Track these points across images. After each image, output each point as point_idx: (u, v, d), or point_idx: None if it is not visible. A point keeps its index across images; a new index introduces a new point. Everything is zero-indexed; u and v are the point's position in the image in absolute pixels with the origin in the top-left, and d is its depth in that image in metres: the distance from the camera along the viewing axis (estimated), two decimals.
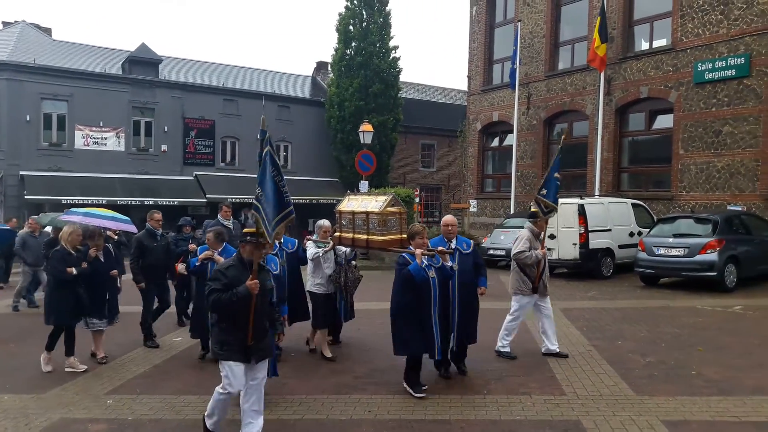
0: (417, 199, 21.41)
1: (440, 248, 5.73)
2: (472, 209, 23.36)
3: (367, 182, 16.96)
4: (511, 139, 21.01)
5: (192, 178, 26.08)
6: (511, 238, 15.22)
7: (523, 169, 21.26)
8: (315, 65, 34.62)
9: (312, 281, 7.13)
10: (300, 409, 5.37)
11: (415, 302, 5.52)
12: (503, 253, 14.75)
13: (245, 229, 4.72)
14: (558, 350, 7.01)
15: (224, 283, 4.32)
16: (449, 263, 5.76)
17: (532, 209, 7.16)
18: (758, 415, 5.02)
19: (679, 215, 13.22)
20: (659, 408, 5.23)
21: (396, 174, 30.86)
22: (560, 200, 14.21)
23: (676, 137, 16.85)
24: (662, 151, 17.46)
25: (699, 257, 11.29)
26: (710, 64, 15.97)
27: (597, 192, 17.70)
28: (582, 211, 13.59)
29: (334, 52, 28.26)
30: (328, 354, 7.04)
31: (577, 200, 14.02)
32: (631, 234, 14.31)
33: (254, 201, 4.25)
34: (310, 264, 7.09)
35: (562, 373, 6.28)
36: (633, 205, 14.98)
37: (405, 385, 5.75)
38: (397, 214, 6.20)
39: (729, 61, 15.59)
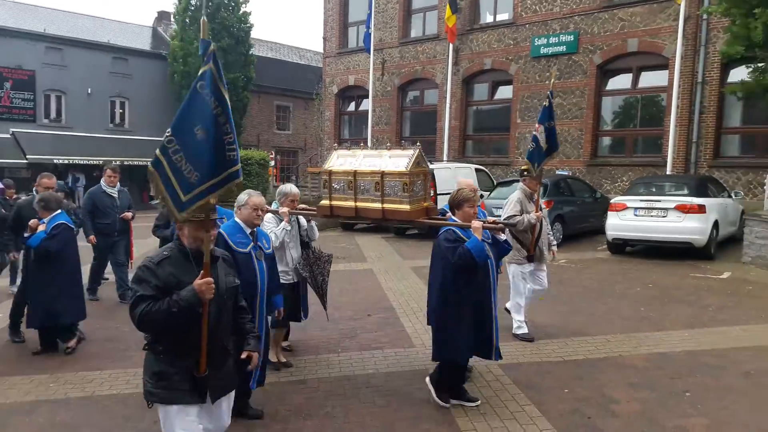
0: (272, 163, 20.95)
1: (491, 219, 4.72)
2: None
3: None
4: (367, 104, 21.26)
5: (8, 135, 22.89)
6: None
7: (379, 134, 21.67)
8: (156, 15, 31.92)
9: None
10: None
11: (471, 291, 4.34)
12: None
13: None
14: (524, 333, 6.24)
15: (156, 287, 2.87)
16: (502, 237, 4.55)
17: (523, 167, 6.13)
18: (577, 355, 5.73)
19: (515, 179, 14.41)
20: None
21: (249, 135, 29.84)
22: None
23: (514, 107, 18.23)
24: (503, 120, 18.81)
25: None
26: (545, 40, 17.38)
27: (445, 158, 18.66)
28: (432, 176, 14.24)
29: (178, 2, 26.24)
30: (282, 359, 5.42)
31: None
32: None
33: (158, 154, 2.87)
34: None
35: (411, 327, 6.62)
36: (476, 170, 16.02)
37: (434, 395, 4.58)
38: (422, 176, 4.75)
39: (561, 38, 17.09)
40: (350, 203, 4.85)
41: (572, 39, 16.83)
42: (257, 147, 27.94)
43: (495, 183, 15.42)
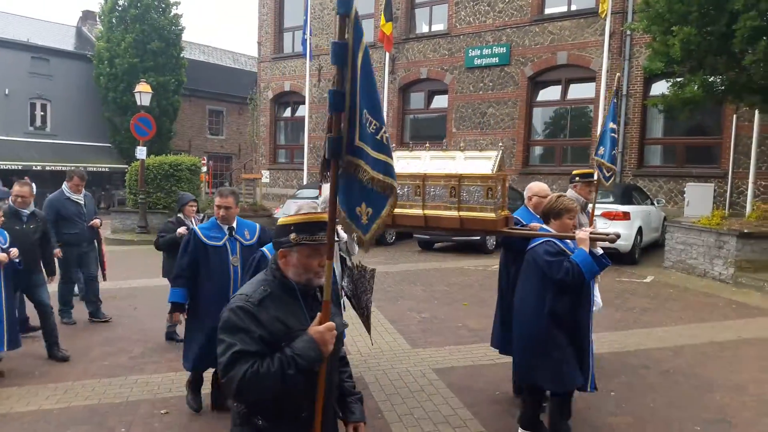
0: (204, 168, 20.31)
1: (589, 229, 4.01)
2: (264, 180, 22.93)
3: (144, 148, 15.50)
4: (303, 110, 21.01)
5: None
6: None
7: (316, 140, 21.40)
8: (80, 14, 30.48)
9: None
10: (66, 397, 4.75)
11: (573, 312, 3.77)
12: None
13: (298, 216, 2.21)
14: None
15: (260, 338, 2.02)
16: (599, 250, 3.87)
17: (576, 171, 5.37)
18: (507, 357, 5.75)
19: None
20: (431, 358, 5.74)
21: (180, 141, 28.87)
22: None
23: (449, 116, 18.50)
24: (438, 129, 19.04)
25: None
26: (479, 51, 17.76)
27: None
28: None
29: (104, 2, 25.13)
30: None
31: None
32: None
33: (330, 142, 2.09)
34: None
35: (347, 334, 6.48)
36: None
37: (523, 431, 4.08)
38: (503, 180, 4.13)
39: (493, 50, 17.50)
40: (417, 211, 4.10)
41: (504, 51, 17.27)
42: (188, 152, 27.07)
43: None
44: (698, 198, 13.45)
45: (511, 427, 4.20)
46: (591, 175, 5.34)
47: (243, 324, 2.01)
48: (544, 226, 3.95)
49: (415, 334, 6.58)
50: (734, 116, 13.84)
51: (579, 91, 16.62)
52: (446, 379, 5.16)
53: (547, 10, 16.86)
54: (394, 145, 3.29)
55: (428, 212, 4.09)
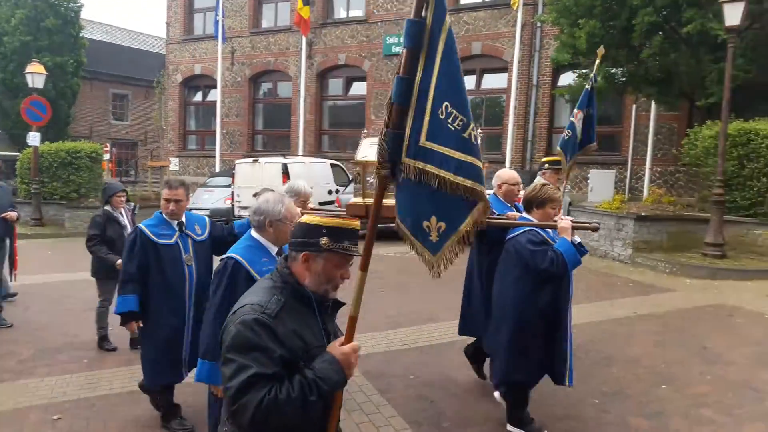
0: (107, 156, 19.09)
1: (566, 218, 3.82)
2: (172, 167, 21.93)
3: (38, 134, 14.31)
4: (215, 95, 20.21)
5: None
6: (215, 197, 15.00)
7: (229, 126, 20.74)
8: None
9: None
10: None
11: (552, 303, 3.69)
12: (207, 213, 14.25)
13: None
14: None
15: (281, 358, 1.75)
16: (577, 239, 3.70)
17: (545, 158, 5.22)
18: (423, 341, 5.81)
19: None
20: None
21: (81, 126, 26.97)
22: (264, 160, 14.60)
23: (368, 104, 18.44)
24: (357, 116, 18.95)
25: None
26: (396, 39, 17.77)
27: (300, 152, 18.34)
28: (285, 170, 13.89)
29: None
30: None
31: (281, 159, 14.31)
32: (330, 192, 15.27)
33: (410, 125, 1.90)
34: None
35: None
36: (332, 165, 15.93)
37: (513, 428, 3.94)
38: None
39: (401, 40, 17.52)
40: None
41: None
42: (89, 138, 25.36)
43: (351, 178, 15.46)
44: (601, 184, 14.23)
45: (424, 410, 4.22)
46: (559, 162, 5.34)
47: (259, 341, 1.71)
48: (524, 214, 3.83)
49: None
50: (633, 106, 14.71)
51: (492, 81, 17.06)
52: (361, 367, 5.09)
53: (462, 0, 17.13)
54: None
55: None
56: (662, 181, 14.71)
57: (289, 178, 13.85)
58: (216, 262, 3.32)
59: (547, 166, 5.38)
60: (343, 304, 2.03)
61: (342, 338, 1.89)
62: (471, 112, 1.89)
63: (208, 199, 14.79)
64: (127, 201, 5.90)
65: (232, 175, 14.02)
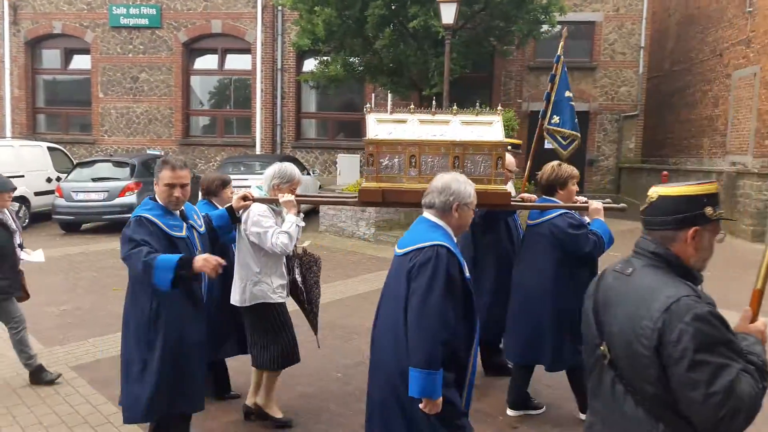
0: None
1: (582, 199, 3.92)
2: None
3: None
4: None
5: None
6: None
7: None
8: None
9: (266, 284, 3.60)
10: None
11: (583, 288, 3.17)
12: None
13: None
14: None
15: (741, 349, 1.65)
16: (586, 219, 3.77)
17: (514, 141, 5.12)
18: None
19: (98, 159, 12.95)
20: (70, 354, 4.96)
21: None
22: None
23: (95, 80, 16.36)
24: (82, 94, 16.70)
25: (118, 200, 11.39)
26: (124, 9, 16.01)
27: (9, 134, 15.45)
28: None
29: None
30: (279, 414, 3.78)
31: None
32: (49, 180, 13.14)
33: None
34: (266, 252, 3.53)
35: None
36: (50, 148, 13.73)
37: (519, 411, 3.92)
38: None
39: (142, 10, 16.01)
40: (415, 185, 3.39)
41: (155, 13, 15.96)
42: None
43: (75, 163, 13.53)
44: (348, 168, 14.92)
45: None
46: (520, 146, 5.30)
47: (722, 334, 1.57)
48: (545, 197, 3.79)
49: (51, 331, 5.57)
50: (373, 95, 15.72)
51: (237, 62, 16.55)
52: (88, 375, 4.48)
53: None
54: None
55: (428, 186, 3.24)
56: None
57: None
58: None
59: (510, 148, 5.33)
60: None
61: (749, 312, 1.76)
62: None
63: None
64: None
65: None
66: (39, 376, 4.32)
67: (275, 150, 16.13)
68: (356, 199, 3.65)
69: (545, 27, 12.84)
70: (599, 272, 1.94)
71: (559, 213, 3.65)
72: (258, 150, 15.51)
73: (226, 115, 16.94)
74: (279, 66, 15.93)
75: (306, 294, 3.84)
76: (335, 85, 13.49)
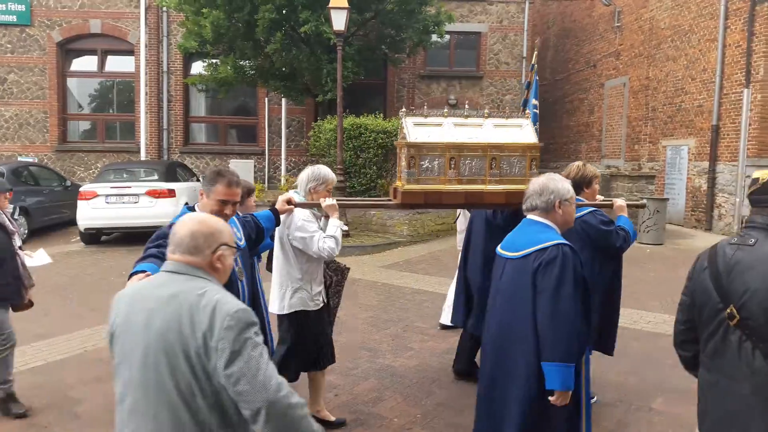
0: None
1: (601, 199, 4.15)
2: None
3: None
4: None
5: None
6: None
7: None
8: None
9: (306, 291, 3.59)
10: None
11: (614, 278, 3.92)
12: None
13: None
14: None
15: None
16: None
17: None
18: (32, 362, 4.85)
19: None
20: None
21: None
22: None
23: None
24: None
25: None
26: None
27: None
28: None
29: None
30: (332, 417, 3.80)
31: None
32: None
33: None
34: (309, 257, 3.55)
35: None
36: None
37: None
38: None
39: (10, 6, 14.69)
40: (456, 187, 3.52)
41: (24, 9, 14.70)
42: None
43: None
44: (241, 173, 14.35)
45: None
46: None
47: None
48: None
49: None
50: (266, 99, 15.43)
51: (118, 64, 15.62)
52: None
53: None
54: None
55: (468, 187, 3.58)
56: (297, 171, 15.88)
57: None
58: None
59: None
60: None
61: None
62: None
63: None
64: None
65: None
66: (6, 405, 3.86)
67: (162, 156, 15.37)
68: (395, 202, 3.65)
69: (434, 37, 13.22)
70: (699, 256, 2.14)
71: (588, 210, 3.79)
72: (143, 156, 14.72)
73: (107, 119, 15.92)
74: (165, 68, 15.21)
75: (327, 301, 3.83)
76: (225, 88, 13.10)
